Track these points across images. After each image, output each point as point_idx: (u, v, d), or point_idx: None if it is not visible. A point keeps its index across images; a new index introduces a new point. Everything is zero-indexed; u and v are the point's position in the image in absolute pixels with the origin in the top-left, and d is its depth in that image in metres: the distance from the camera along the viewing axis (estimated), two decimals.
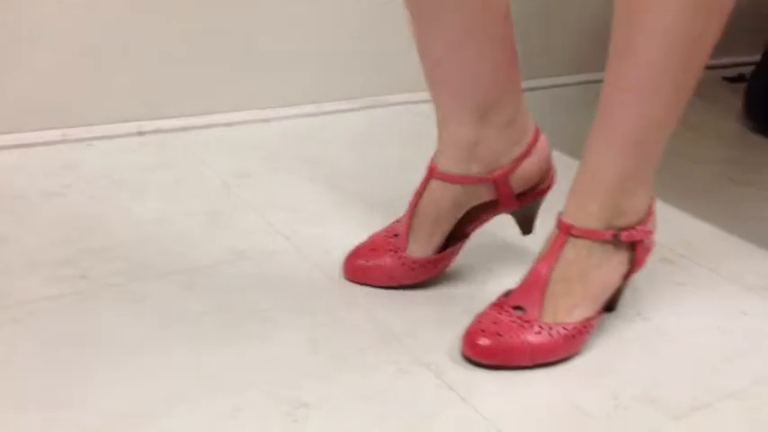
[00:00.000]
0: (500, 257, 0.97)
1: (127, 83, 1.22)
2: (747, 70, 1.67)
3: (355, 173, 1.17)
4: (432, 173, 0.86)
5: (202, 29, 1.26)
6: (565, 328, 0.79)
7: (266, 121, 1.32)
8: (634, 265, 0.83)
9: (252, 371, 0.75)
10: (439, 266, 0.89)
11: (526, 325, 0.78)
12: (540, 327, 0.78)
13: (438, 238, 0.88)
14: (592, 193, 0.80)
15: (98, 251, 0.92)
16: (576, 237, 0.80)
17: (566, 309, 0.79)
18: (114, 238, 0.95)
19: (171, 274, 0.89)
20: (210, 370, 0.75)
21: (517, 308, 0.79)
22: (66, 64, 1.18)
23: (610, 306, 0.87)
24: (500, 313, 0.79)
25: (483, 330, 0.78)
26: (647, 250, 0.85)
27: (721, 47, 1.97)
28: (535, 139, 0.88)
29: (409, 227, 0.88)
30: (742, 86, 1.60)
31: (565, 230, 0.81)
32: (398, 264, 0.88)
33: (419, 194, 0.87)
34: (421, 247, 0.88)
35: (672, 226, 1.08)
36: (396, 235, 0.89)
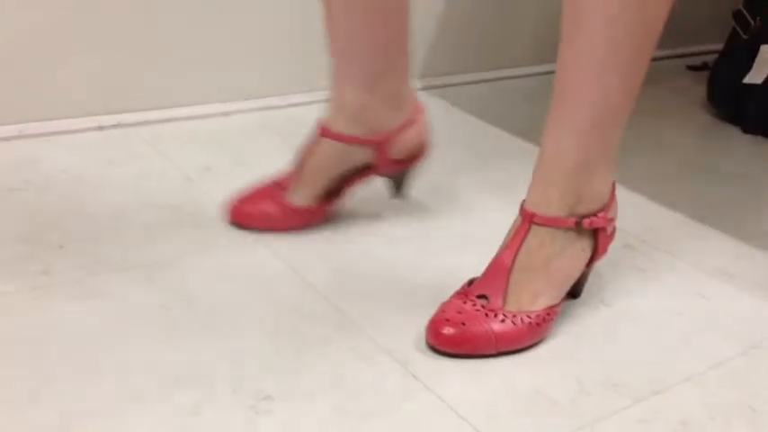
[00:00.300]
0: (456, 245, 0.97)
1: (86, 77, 1.21)
2: (711, 59, 1.68)
3: None
4: (322, 131, 0.95)
5: (162, 21, 1.24)
6: (529, 317, 0.79)
7: (228, 114, 1.31)
8: (596, 252, 0.84)
9: (213, 364, 0.74)
10: (315, 216, 0.97)
11: (490, 314, 0.78)
12: (504, 315, 0.78)
13: (318, 191, 0.96)
14: (552, 180, 0.81)
15: (58, 246, 0.90)
16: (538, 225, 0.80)
17: (529, 297, 0.79)
18: (75, 233, 0.93)
19: (132, 269, 0.87)
20: (171, 365, 0.74)
21: (481, 296, 0.79)
22: (22, 57, 1.16)
23: (574, 293, 0.87)
24: (465, 302, 0.79)
25: (447, 320, 0.78)
26: (610, 237, 0.85)
27: (685, 36, 1.99)
28: (416, 114, 0.97)
29: (294, 178, 0.96)
30: (705, 75, 1.61)
31: (528, 219, 0.81)
32: (278, 209, 0.96)
33: (308, 149, 0.95)
34: (302, 197, 0.96)
35: (634, 212, 1.09)
36: (278, 184, 0.97)
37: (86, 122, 1.21)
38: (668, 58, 1.80)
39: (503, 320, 0.78)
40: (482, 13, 1.54)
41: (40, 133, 1.18)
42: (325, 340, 0.79)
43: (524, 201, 0.82)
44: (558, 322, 0.83)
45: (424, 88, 1.50)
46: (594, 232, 0.82)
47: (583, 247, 0.82)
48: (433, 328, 0.78)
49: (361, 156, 0.95)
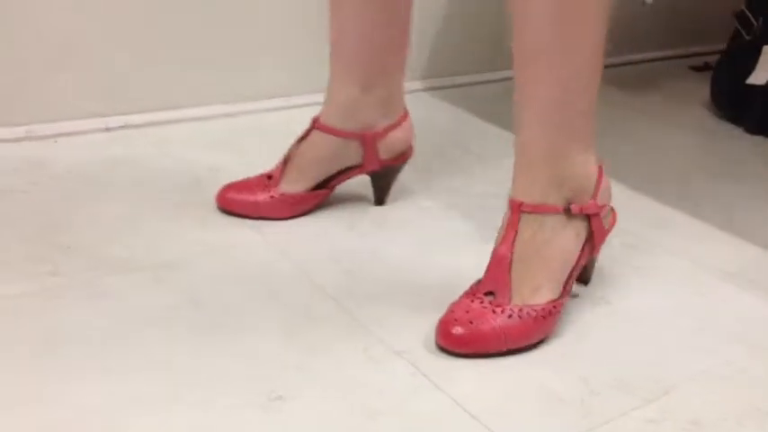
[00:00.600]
0: (461, 245, 0.97)
1: (92, 78, 1.21)
2: (712, 59, 1.69)
3: None
4: (314, 124, 0.99)
5: (168, 24, 1.25)
6: (534, 310, 0.79)
7: (234, 115, 1.31)
8: (594, 238, 0.84)
9: (224, 365, 0.75)
10: (302, 206, 1.00)
11: (497, 310, 0.79)
12: (512, 310, 0.79)
13: (308, 183, 0.99)
14: (530, 168, 0.82)
15: (67, 247, 0.91)
16: (527, 213, 0.81)
17: (530, 289, 0.80)
18: (83, 235, 0.94)
19: (140, 270, 0.88)
20: (183, 364, 0.74)
21: (488, 294, 0.80)
22: (30, 59, 1.16)
23: (584, 279, 0.88)
24: (472, 301, 0.80)
25: (456, 320, 0.78)
26: (610, 224, 0.86)
27: (687, 36, 1.99)
28: (403, 118, 1.02)
29: (285, 167, 0.99)
30: (707, 75, 1.62)
31: (516, 208, 0.82)
32: (266, 197, 0.99)
33: (300, 140, 0.99)
34: (290, 186, 0.99)
35: (637, 212, 1.09)
36: (269, 176, 1.00)
37: (93, 124, 1.21)
38: (670, 58, 1.81)
39: (510, 315, 0.78)
40: (486, 14, 1.54)
41: (48, 134, 1.18)
42: (335, 341, 0.79)
43: (510, 193, 0.84)
44: (563, 321, 0.83)
45: (428, 89, 1.50)
46: (587, 218, 0.83)
47: (577, 232, 0.83)
48: (443, 328, 0.78)
49: (351, 152, 0.99)
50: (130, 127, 1.23)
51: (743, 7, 1.53)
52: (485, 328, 0.78)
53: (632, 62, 1.77)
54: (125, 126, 1.23)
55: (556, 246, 0.81)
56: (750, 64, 1.48)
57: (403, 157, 1.03)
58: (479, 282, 0.82)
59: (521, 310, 0.79)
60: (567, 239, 0.82)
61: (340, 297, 0.86)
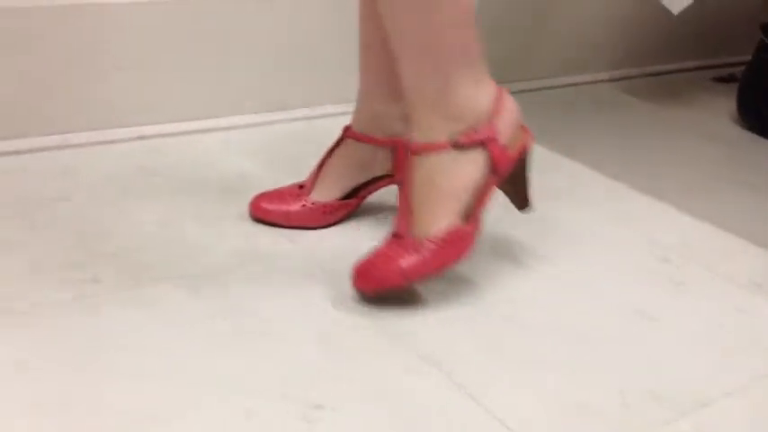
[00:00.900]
0: (494, 259, 0.98)
1: (127, 88, 1.23)
2: (737, 70, 1.69)
3: None
4: (346, 132, 1.00)
5: (201, 36, 1.26)
6: (432, 242, 0.83)
7: (269, 123, 1.33)
8: (496, 164, 0.86)
9: (263, 373, 0.76)
10: (333, 215, 1.02)
11: (400, 249, 0.84)
12: (411, 245, 0.84)
13: (339, 192, 1.01)
14: (416, 109, 0.86)
15: (106, 255, 0.92)
16: (418, 154, 0.85)
17: (429, 221, 0.84)
18: (121, 243, 0.95)
19: (178, 278, 0.89)
20: (222, 372, 0.75)
21: (396, 236, 0.85)
22: (65, 69, 1.18)
23: (521, 204, 0.93)
24: (385, 245, 0.86)
25: (364, 262, 0.86)
26: (513, 151, 0.88)
27: (711, 48, 1.99)
28: None
29: (317, 176, 1.01)
30: (731, 86, 1.62)
31: (412, 151, 0.86)
32: (298, 207, 1.00)
33: (332, 149, 1.01)
34: (321, 195, 1.01)
35: (668, 225, 1.10)
36: (301, 186, 1.02)
37: (128, 133, 1.23)
38: (695, 69, 1.81)
39: (408, 250, 0.84)
40: (508, 25, 1.55)
41: (83, 143, 1.19)
42: (370, 351, 0.80)
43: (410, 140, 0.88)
44: (596, 332, 0.84)
45: None
46: (484, 144, 0.85)
47: (473, 162, 0.85)
48: (353, 272, 0.85)
49: (381, 160, 1.00)
50: (164, 135, 1.25)
51: None
52: (381, 262, 0.84)
53: (658, 73, 1.78)
54: (159, 134, 1.25)
55: (453, 177, 0.85)
56: None
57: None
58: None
59: (421, 244, 0.83)
60: (463, 170, 0.85)
61: (373, 306, 0.87)
